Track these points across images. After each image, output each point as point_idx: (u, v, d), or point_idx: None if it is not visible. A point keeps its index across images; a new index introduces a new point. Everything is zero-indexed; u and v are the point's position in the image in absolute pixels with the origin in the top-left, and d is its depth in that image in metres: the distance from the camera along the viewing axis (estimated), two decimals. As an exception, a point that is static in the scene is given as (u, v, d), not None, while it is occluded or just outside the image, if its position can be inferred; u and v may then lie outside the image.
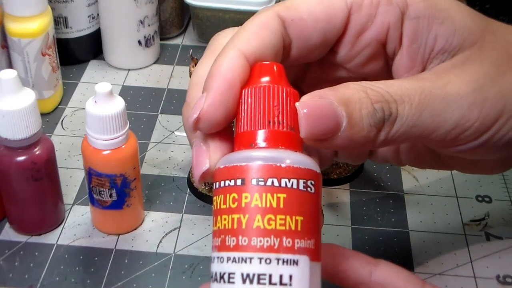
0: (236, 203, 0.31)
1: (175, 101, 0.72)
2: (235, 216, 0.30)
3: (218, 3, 0.76)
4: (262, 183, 0.30)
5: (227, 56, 0.33)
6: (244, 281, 0.30)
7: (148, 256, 0.55)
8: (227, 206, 0.31)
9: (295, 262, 0.30)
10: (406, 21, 0.37)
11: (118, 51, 0.75)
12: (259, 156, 0.31)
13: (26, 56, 0.65)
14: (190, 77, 0.55)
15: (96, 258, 0.54)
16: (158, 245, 0.55)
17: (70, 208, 0.58)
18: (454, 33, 0.37)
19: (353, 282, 0.37)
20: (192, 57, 0.56)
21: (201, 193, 0.60)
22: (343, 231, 0.57)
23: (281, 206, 0.30)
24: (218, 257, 0.31)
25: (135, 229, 0.57)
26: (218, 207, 0.31)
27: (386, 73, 0.39)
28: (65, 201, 0.58)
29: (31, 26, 0.64)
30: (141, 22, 0.73)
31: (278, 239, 0.30)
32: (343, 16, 0.37)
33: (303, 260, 0.30)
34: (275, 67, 0.33)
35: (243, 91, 0.33)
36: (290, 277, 0.30)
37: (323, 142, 0.33)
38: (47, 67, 0.67)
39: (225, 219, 0.31)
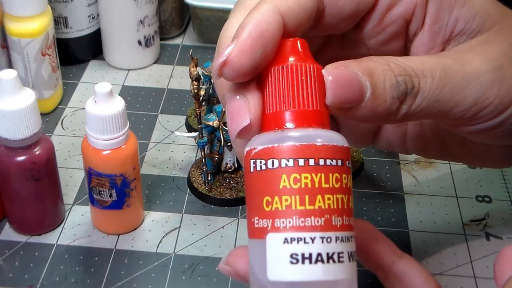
0: (339, 183, 0.31)
1: (175, 101, 0.72)
2: (339, 196, 0.31)
3: (218, 3, 0.76)
4: (349, 165, 0.32)
5: (261, 9, 0.32)
6: (349, 259, 0.31)
7: (148, 256, 0.55)
8: (331, 185, 0.31)
9: None
10: (431, 1, 0.38)
11: (118, 51, 0.75)
12: (342, 139, 0.32)
13: (26, 56, 0.65)
14: (190, 77, 0.55)
15: (96, 258, 0.54)
16: (158, 245, 0.55)
17: (70, 208, 0.58)
18: (474, 16, 0.37)
19: (374, 264, 0.38)
20: (192, 57, 0.56)
21: (201, 193, 0.60)
22: (343, 231, 0.57)
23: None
24: (322, 237, 0.30)
25: (135, 229, 0.57)
26: (318, 185, 0.30)
27: (404, 56, 0.40)
28: (65, 201, 0.58)
29: (31, 26, 0.64)
30: (141, 22, 0.73)
31: (353, 220, 0.32)
32: None
33: None
34: (299, 43, 0.33)
35: (273, 69, 0.32)
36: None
37: (347, 112, 0.33)
38: (47, 67, 0.67)
39: (329, 199, 0.30)
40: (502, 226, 0.58)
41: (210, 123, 0.57)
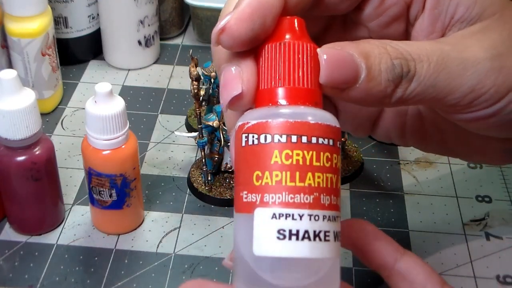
0: (329, 163, 0.31)
1: (175, 101, 0.72)
2: (329, 176, 0.31)
3: (218, 3, 0.76)
4: (339, 146, 0.32)
5: None
6: (335, 239, 0.31)
7: (148, 256, 0.55)
8: (321, 164, 0.31)
9: None
10: None
11: (118, 51, 0.75)
12: (334, 119, 0.32)
13: (26, 56, 0.65)
14: (190, 77, 0.55)
15: (96, 258, 0.54)
16: (158, 245, 0.55)
17: (70, 208, 0.58)
18: (475, 2, 0.37)
19: (376, 263, 0.38)
20: (192, 57, 0.56)
21: (201, 193, 0.60)
22: (343, 231, 0.57)
23: None
24: (310, 215, 0.30)
25: (135, 229, 0.57)
26: (309, 163, 0.31)
27: (405, 40, 0.40)
28: (65, 201, 0.58)
29: (31, 26, 0.64)
30: (141, 22, 0.73)
31: (340, 201, 0.32)
32: None
33: None
34: (296, 21, 0.33)
35: (268, 45, 0.32)
36: None
37: (341, 92, 0.33)
38: (47, 67, 0.67)
39: (319, 177, 0.31)
40: (502, 226, 0.58)
41: (210, 123, 0.57)
